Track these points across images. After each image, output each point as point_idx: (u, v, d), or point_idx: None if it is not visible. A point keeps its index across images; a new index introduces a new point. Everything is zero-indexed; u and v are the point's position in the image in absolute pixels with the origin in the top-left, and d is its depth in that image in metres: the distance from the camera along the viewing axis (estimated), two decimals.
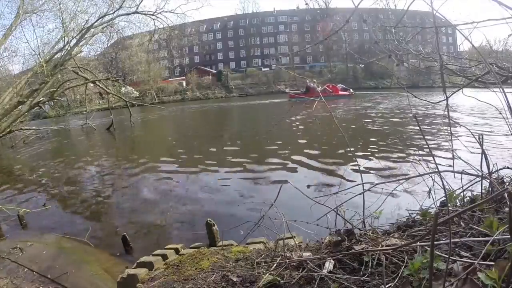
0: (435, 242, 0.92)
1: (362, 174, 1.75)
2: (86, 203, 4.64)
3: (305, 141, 8.05)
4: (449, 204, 1.32)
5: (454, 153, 1.60)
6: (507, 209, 1.16)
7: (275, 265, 1.34)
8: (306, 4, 49.65)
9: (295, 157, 6.07)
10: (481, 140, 1.45)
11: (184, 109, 26.23)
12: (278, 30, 55.65)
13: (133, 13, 14.35)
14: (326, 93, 21.96)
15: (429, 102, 1.97)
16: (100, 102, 31.14)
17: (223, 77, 47.58)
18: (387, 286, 1.00)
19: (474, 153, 2.01)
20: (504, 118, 1.45)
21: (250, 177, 5.11)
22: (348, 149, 5.32)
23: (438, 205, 1.57)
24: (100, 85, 13.89)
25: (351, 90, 23.22)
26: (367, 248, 1.22)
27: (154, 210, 4.11)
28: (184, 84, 47.01)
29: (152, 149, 9.25)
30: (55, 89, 11.83)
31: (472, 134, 1.66)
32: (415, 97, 2.08)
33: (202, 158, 6.67)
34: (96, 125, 15.36)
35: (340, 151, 6.11)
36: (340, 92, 22.59)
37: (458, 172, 1.45)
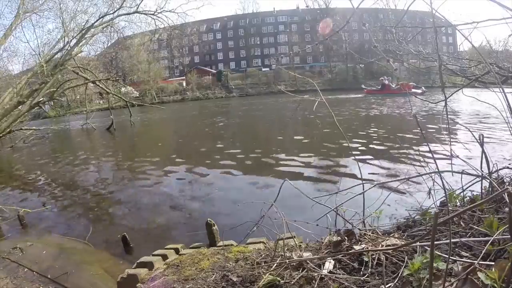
0: (435, 242, 0.92)
1: (362, 174, 1.74)
2: (86, 203, 4.64)
3: (305, 140, 8.04)
4: (449, 204, 1.32)
5: (453, 153, 1.60)
6: (507, 209, 1.16)
7: (275, 265, 1.34)
8: (307, 6, 49.64)
9: (295, 157, 6.07)
10: (481, 140, 1.45)
11: (184, 109, 26.20)
12: (278, 30, 55.64)
13: (134, 12, 14.31)
14: (400, 90, 22.44)
15: (428, 101, 1.98)
16: (100, 102, 31.20)
17: (223, 77, 47.52)
18: (387, 286, 1.00)
19: (474, 153, 2.01)
20: (504, 118, 1.45)
21: (250, 177, 5.11)
22: (348, 147, 5.33)
23: (438, 205, 1.57)
24: (100, 85, 13.88)
25: (423, 88, 23.40)
26: (367, 248, 1.23)
27: (154, 210, 4.11)
28: (184, 84, 46.97)
29: (152, 149, 9.24)
30: (55, 89, 11.82)
31: (472, 134, 1.66)
32: (416, 97, 2.09)
33: (202, 158, 6.68)
34: (96, 125, 15.35)
35: (341, 151, 6.10)
36: (413, 90, 22.78)
37: (458, 172, 1.45)
